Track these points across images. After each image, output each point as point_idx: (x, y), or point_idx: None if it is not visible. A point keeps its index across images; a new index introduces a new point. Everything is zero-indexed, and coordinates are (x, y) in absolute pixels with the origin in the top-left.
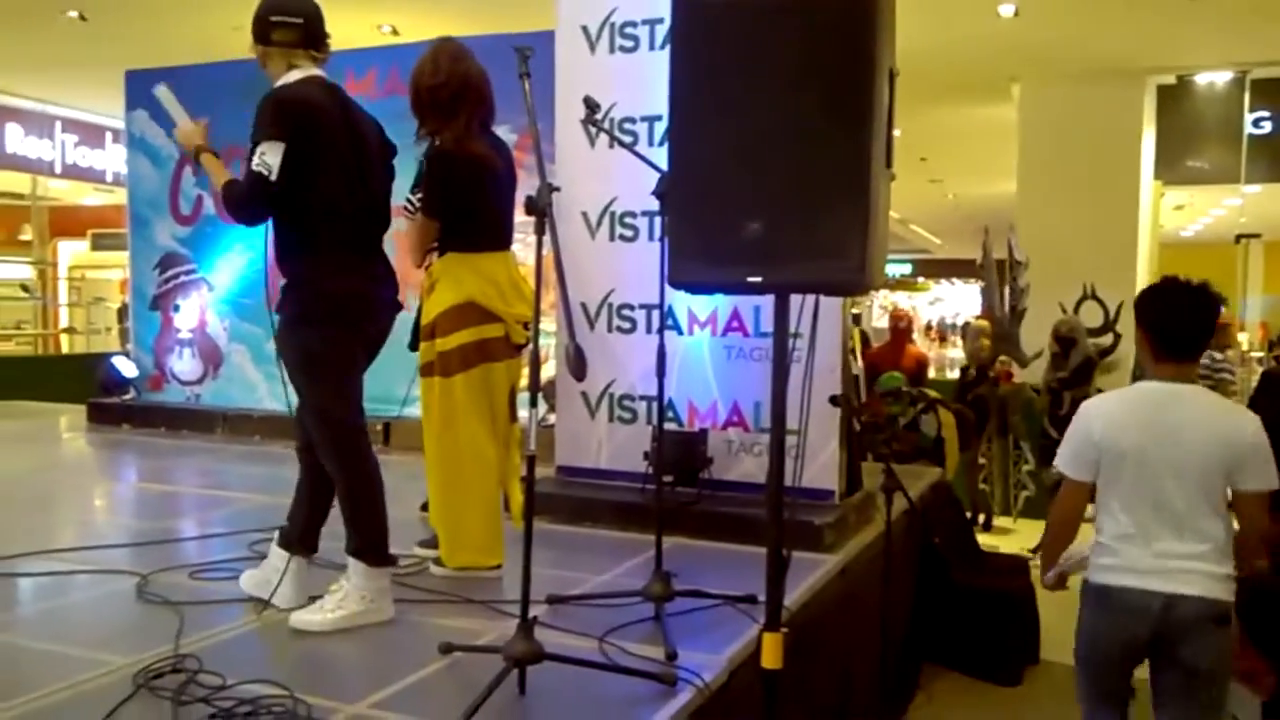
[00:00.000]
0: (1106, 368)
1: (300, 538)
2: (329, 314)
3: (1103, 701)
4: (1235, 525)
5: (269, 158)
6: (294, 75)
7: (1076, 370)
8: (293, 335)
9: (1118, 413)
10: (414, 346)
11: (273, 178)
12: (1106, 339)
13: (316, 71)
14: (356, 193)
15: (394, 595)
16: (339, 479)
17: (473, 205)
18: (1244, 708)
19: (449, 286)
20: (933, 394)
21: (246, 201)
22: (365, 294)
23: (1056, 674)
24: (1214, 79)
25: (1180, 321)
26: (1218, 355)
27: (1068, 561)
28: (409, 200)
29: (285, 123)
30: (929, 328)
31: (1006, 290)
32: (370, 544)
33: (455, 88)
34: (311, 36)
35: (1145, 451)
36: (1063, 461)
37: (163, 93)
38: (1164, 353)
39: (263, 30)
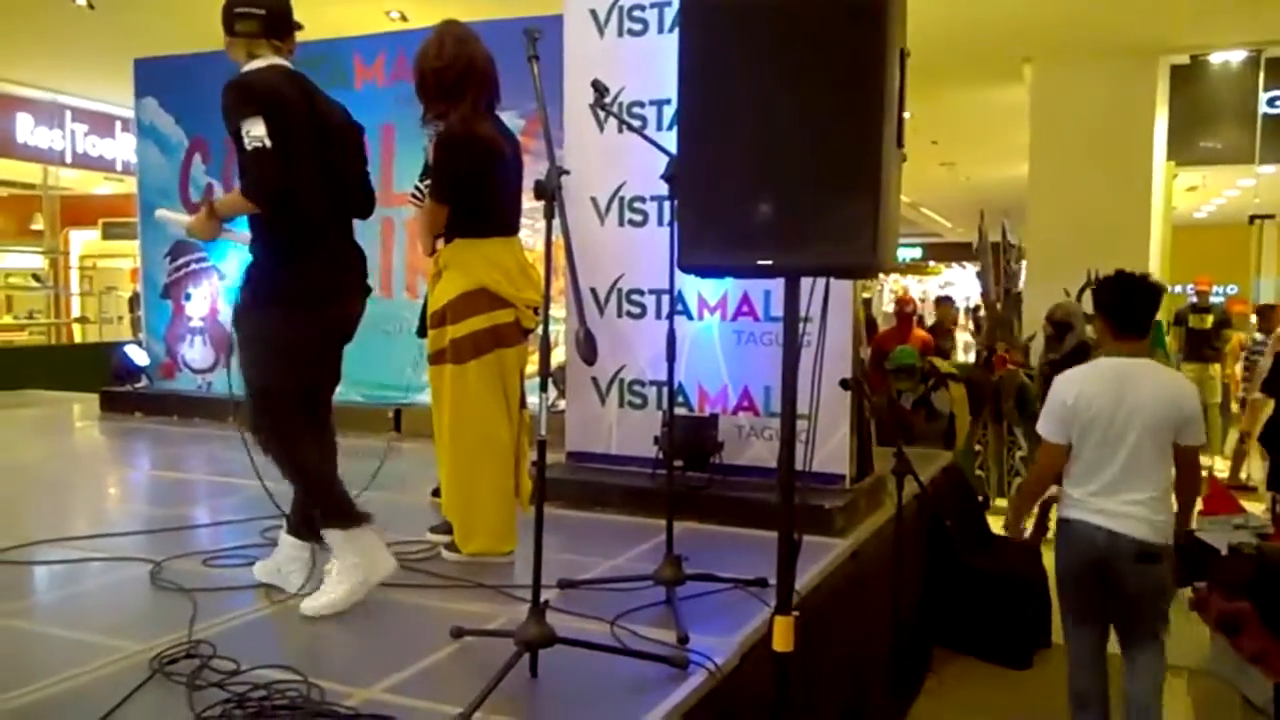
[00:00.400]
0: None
1: (304, 521)
2: (294, 297)
3: (1078, 620)
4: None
5: (256, 130)
6: (256, 64)
7: (1070, 354)
8: (254, 316)
9: (1088, 383)
10: (423, 333)
11: (268, 144)
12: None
13: (278, 60)
14: (319, 177)
15: (406, 581)
16: (284, 461)
17: (481, 189)
18: (1255, 689)
19: (458, 273)
20: (944, 367)
21: (264, 180)
22: (331, 278)
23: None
24: (1228, 58)
25: (1132, 306)
26: (1259, 336)
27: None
28: (417, 188)
29: (255, 101)
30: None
31: (1002, 274)
32: (335, 510)
33: (461, 69)
34: (273, 27)
35: (1112, 414)
36: (1042, 427)
37: (162, 215)
38: (1120, 332)
39: (227, 20)
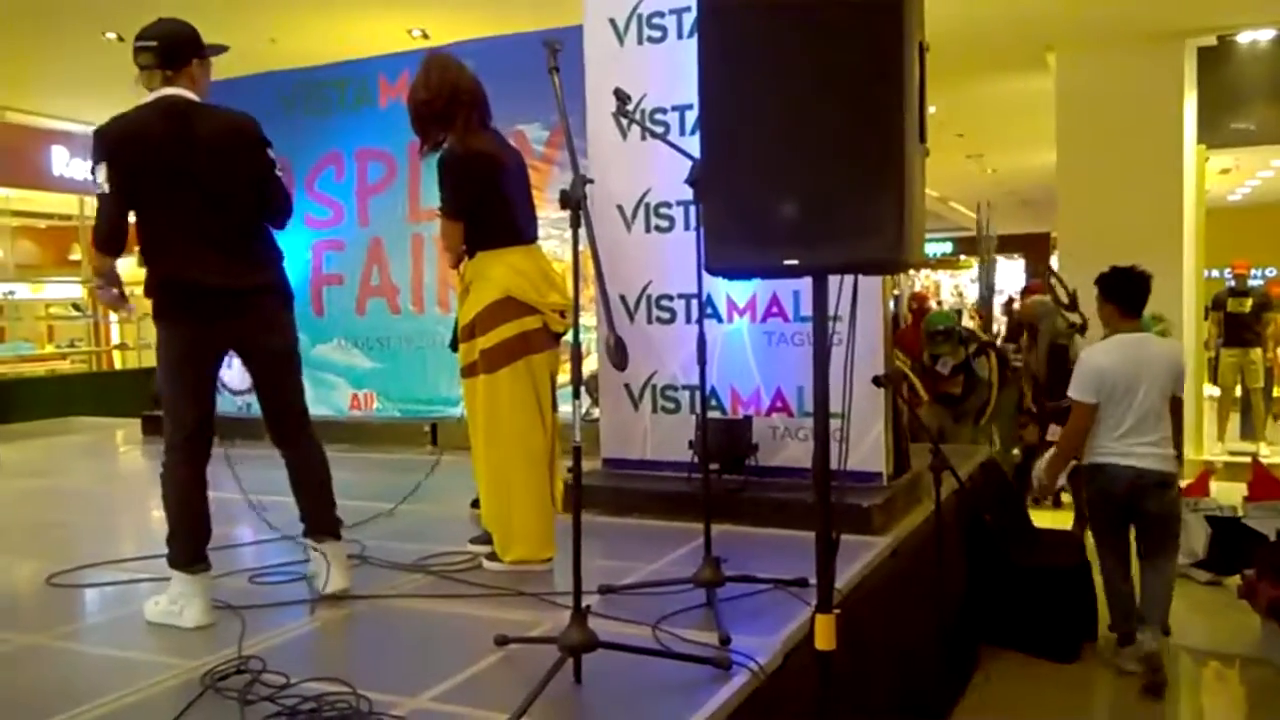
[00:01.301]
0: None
1: (314, 525)
2: (160, 308)
3: (1111, 534)
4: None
5: (99, 177)
6: (145, 99)
7: (1050, 357)
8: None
9: (1112, 354)
10: (455, 346)
11: (106, 190)
12: (1075, 316)
13: (167, 91)
14: (176, 208)
15: (449, 591)
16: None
17: (489, 201)
18: (1277, 648)
19: (482, 285)
20: (984, 336)
21: (97, 226)
22: (185, 283)
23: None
24: (1256, 38)
25: (1134, 292)
26: None
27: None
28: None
29: (99, 148)
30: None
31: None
32: (171, 548)
33: (447, 95)
34: (168, 57)
35: (1132, 377)
36: (1075, 390)
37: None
38: (1126, 313)
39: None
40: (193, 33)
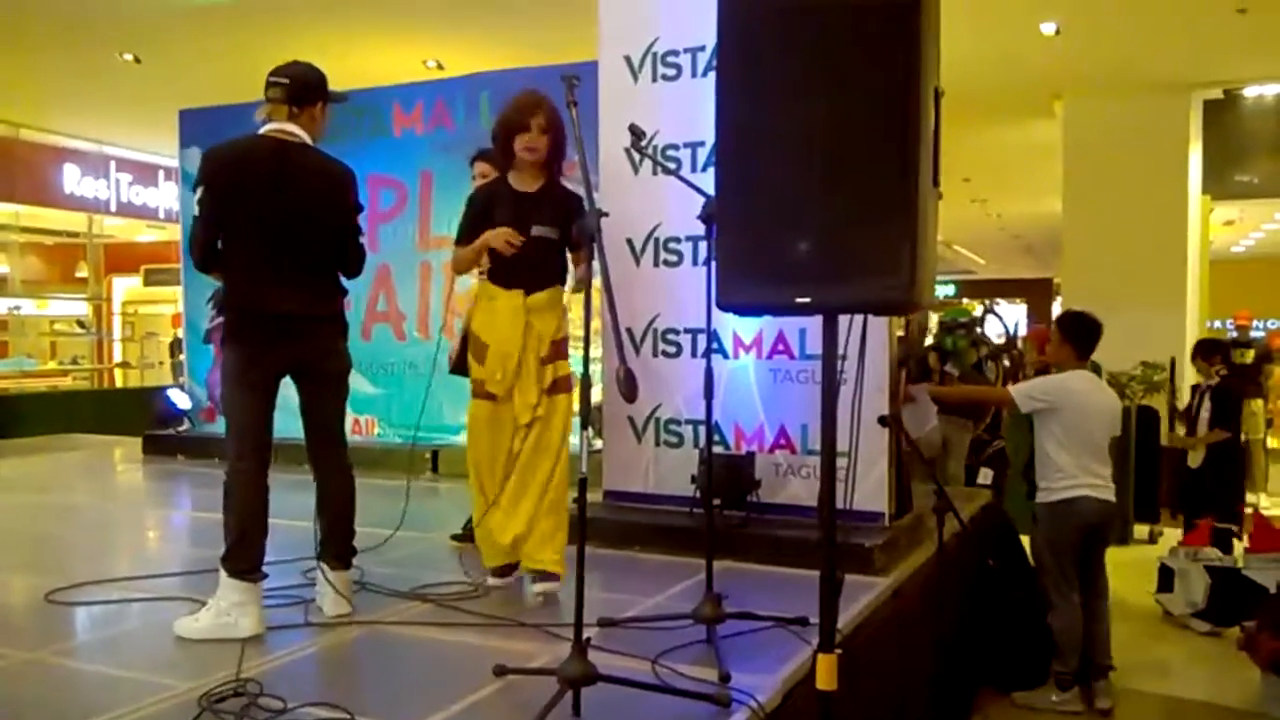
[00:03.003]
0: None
1: (326, 550)
2: (230, 330)
3: (1064, 578)
4: None
5: (196, 198)
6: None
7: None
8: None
9: (1076, 387)
10: (458, 370)
11: (197, 212)
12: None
13: (276, 125)
14: (258, 239)
15: (448, 619)
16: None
17: None
18: (1278, 701)
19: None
20: (994, 343)
21: (191, 245)
22: (254, 309)
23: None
24: (1262, 92)
25: (1090, 336)
26: None
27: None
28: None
29: (200, 171)
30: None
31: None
32: (230, 552)
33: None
34: (295, 96)
35: (1088, 411)
36: (1020, 394)
37: None
38: (1081, 354)
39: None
40: (322, 78)
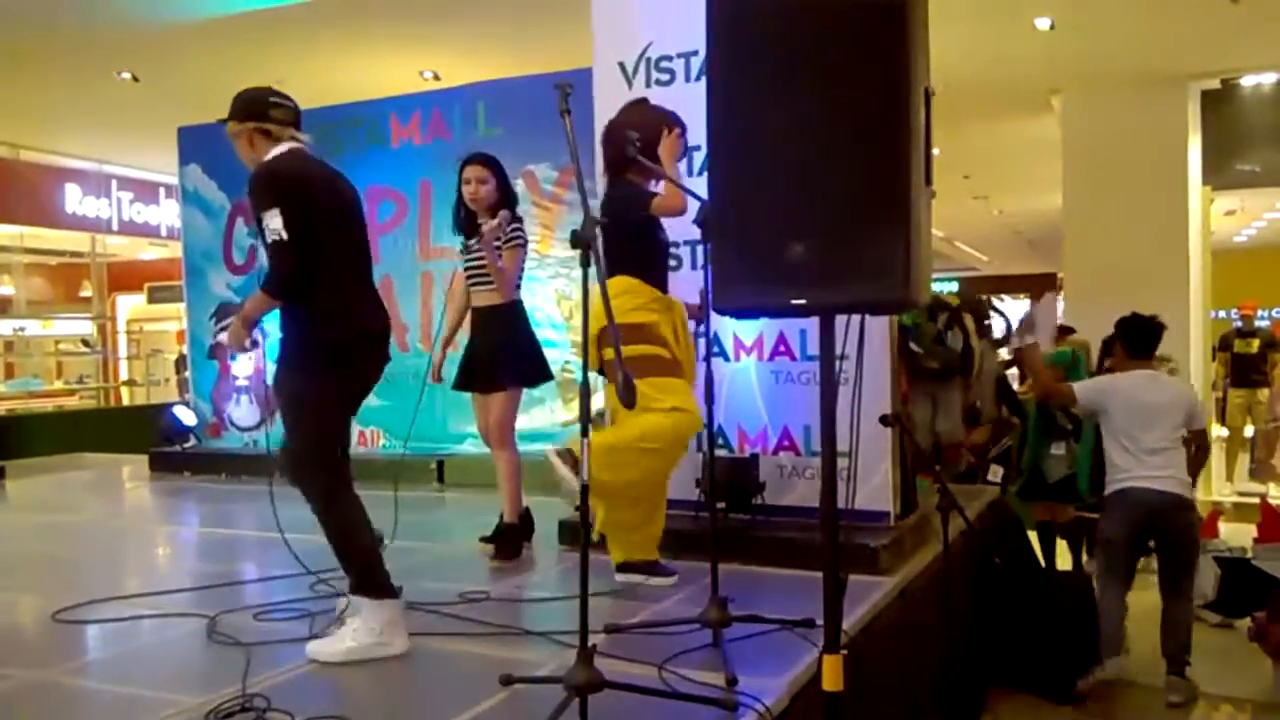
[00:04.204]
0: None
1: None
2: (323, 361)
3: (1110, 569)
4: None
5: (273, 224)
6: (279, 149)
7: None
8: (292, 380)
9: (1125, 386)
10: (463, 386)
11: (284, 237)
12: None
13: (299, 144)
14: (340, 253)
15: (454, 629)
16: (325, 521)
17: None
18: None
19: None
20: (954, 302)
21: (283, 274)
22: (354, 347)
23: (1124, 692)
24: (1260, 81)
25: (1141, 336)
26: None
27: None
28: None
29: (274, 192)
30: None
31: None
32: (366, 579)
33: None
34: (297, 119)
35: (1135, 408)
36: (1078, 391)
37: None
38: (1132, 354)
39: (259, 108)
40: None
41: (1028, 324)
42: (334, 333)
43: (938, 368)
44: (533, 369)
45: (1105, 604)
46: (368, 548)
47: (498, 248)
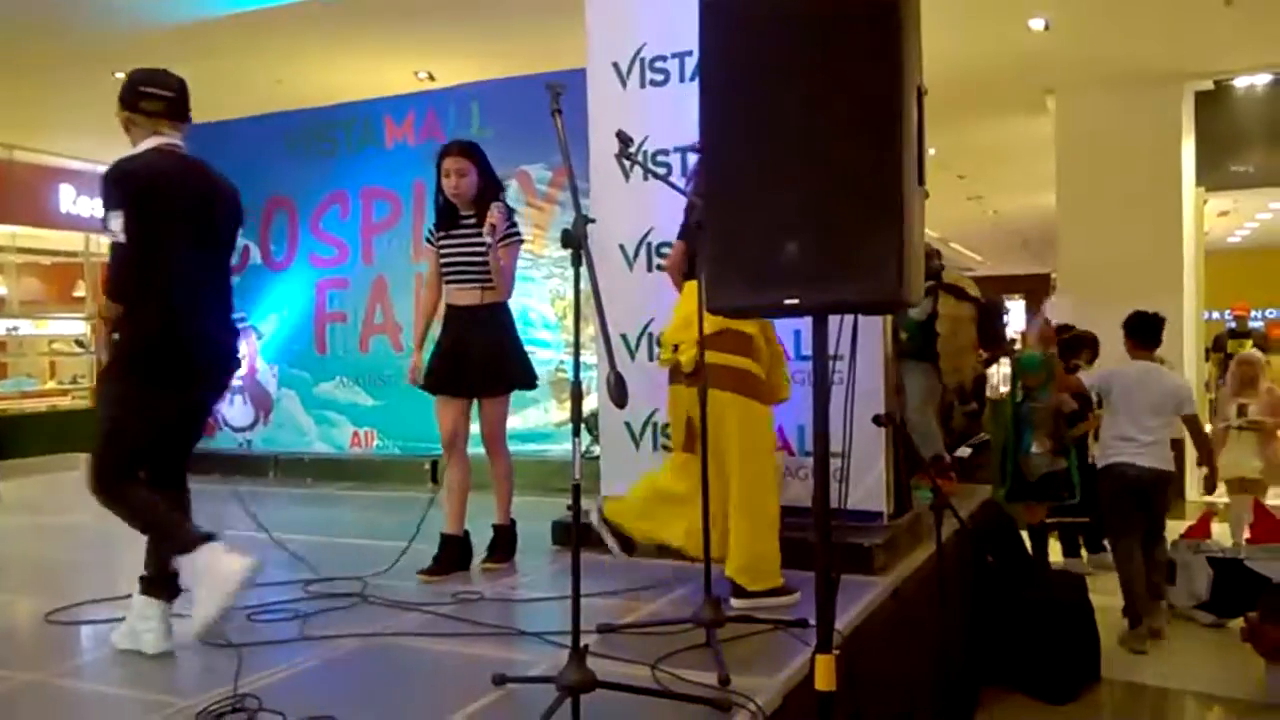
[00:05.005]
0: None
1: (155, 580)
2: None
3: (1115, 529)
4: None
5: (114, 225)
6: (145, 145)
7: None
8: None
9: (1125, 373)
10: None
11: (122, 239)
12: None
13: (169, 141)
14: (191, 261)
15: (446, 629)
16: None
17: None
18: None
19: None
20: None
21: (116, 278)
22: (188, 364)
23: (1119, 692)
24: (1253, 82)
25: (1144, 329)
26: None
27: None
28: None
29: (121, 191)
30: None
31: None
32: (173, 541)
33: None
34: (177, 110)
35: (1133, 393)
36: (1087, 380)
37: None
38: (1138, 345)
39: (130, 97)
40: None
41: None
42: (158, 340)
43: (904, 339)
44: (527, 372)
45: (1120, 560)
46: (161, 517)
47: (494, 245)
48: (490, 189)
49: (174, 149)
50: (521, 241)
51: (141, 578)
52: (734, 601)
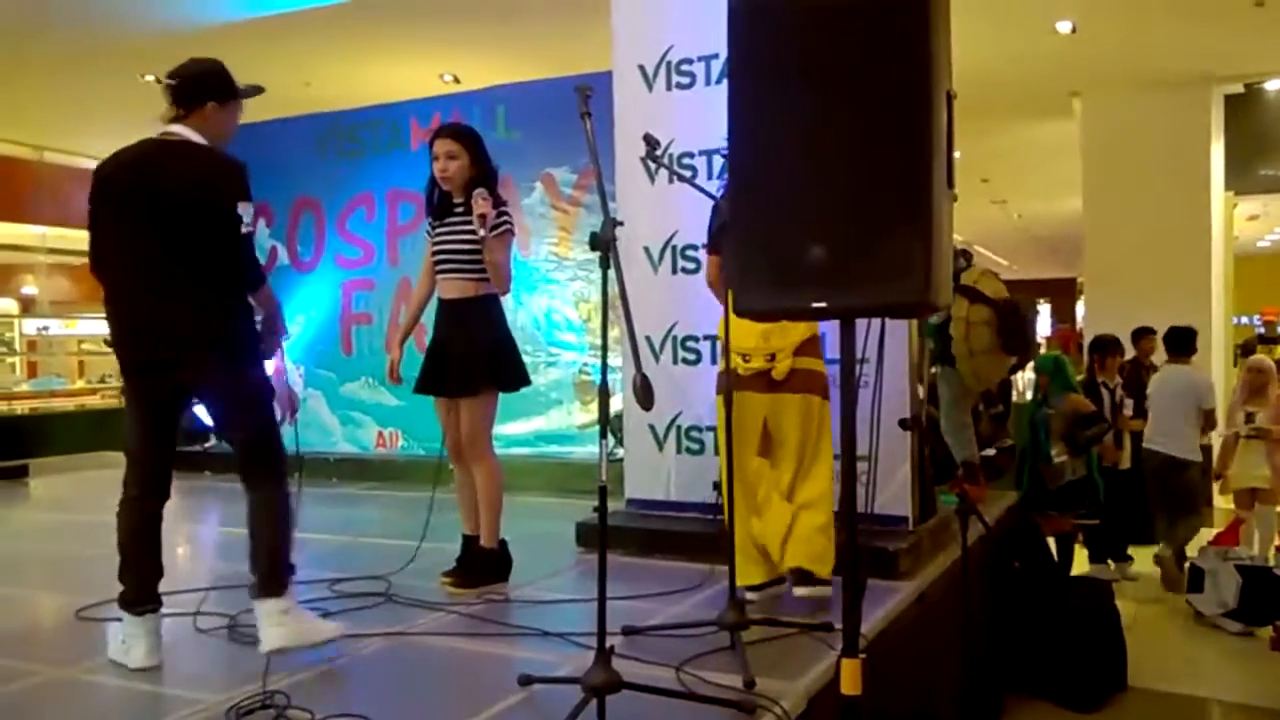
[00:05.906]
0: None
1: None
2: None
3: (1155, 506)
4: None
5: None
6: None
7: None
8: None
9: (1160, 377)
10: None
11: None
12: None
13: (165, 129)
14: (130, 252)
15: (473, 630)
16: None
17: None
18: None
19: None
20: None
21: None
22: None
23: (1145, 701)
24: None
25: (1180, 340)
26: None
27: None
28: None
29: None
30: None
31: None
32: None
33: None
34: (180, 96)
35: (1164, 393)
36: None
37: None
38: (1173, 353)
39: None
40: (215, 76)
41: None
42: (110, 334)
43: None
44: (513, 372)
45: (1161, 534)
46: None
47: (485, 236)
48: (483, 177)
49: (155, 138)
50: (512, 232)
51: (120, 595)
52: (797, 591)
